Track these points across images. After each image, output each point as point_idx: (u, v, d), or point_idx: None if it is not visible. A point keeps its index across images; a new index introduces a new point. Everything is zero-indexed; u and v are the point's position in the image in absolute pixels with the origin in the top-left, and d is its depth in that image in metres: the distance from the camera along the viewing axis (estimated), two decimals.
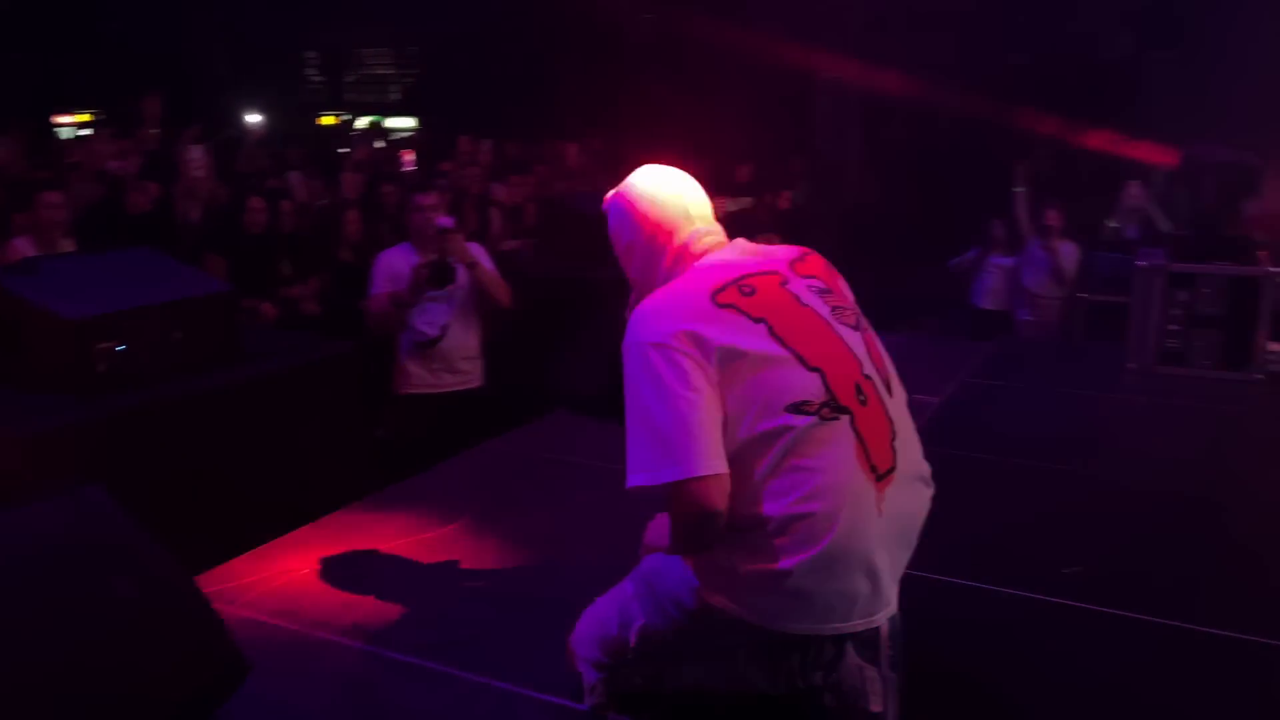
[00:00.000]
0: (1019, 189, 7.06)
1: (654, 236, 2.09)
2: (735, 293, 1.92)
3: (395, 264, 4.29)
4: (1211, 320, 4.41)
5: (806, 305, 1.95)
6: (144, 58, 16.22)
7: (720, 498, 1.77)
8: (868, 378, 1.91)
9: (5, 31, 15.34)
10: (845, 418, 1.83)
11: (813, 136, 9.21)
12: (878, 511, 1.84)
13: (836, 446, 1.82)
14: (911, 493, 1.91)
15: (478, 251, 4.41)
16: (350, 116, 17.47)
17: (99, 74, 16.92)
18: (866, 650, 1.94)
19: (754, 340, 1.85)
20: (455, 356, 4.37)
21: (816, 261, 2.11)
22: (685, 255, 2.06)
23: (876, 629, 1.92)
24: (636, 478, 1.82)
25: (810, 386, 1.84)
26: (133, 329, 3.25)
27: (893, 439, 1.89)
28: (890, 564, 1.88)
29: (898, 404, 1.95)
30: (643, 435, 1.83)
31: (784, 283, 1.98)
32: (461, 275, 4.23)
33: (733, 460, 1.80)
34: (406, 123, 16.15)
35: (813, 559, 1.79)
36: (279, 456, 3.55)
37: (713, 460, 1.77)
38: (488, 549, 2.92)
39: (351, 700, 2.16)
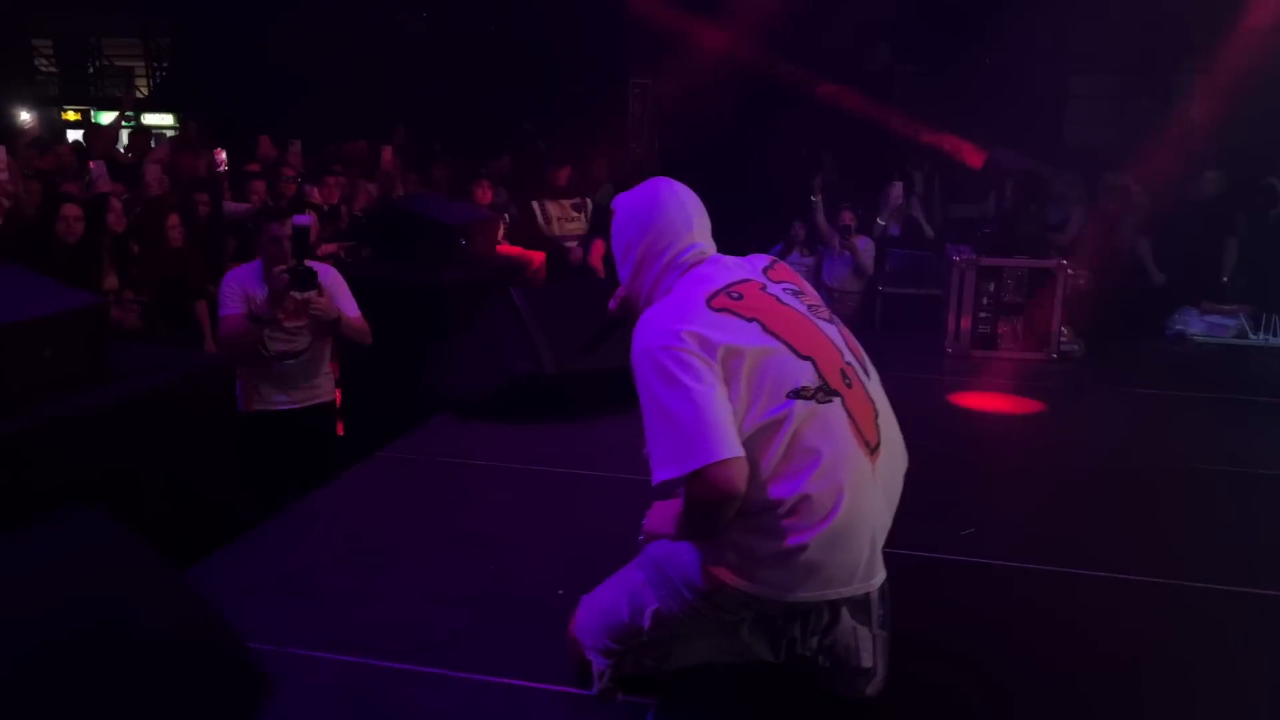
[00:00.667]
0: (815, 198, 7.62)
1: (653, 243, 2.23)
2: (726, 298, 2.10)
3: (247, 283, 4.14)
4: (1015, 307, 5.05)
5: (787, 305, 2.16)
6: None
7: (741, 480, 1.93)
8: (849, 364, 2.13)
9: None
10: (837, 399, 2.05)
11: (625, 138, 9.49)
12: (874, 482, 2.07)
13: (834, 427, 2.03)
14: (895, 464, 2.15)
15: (336, 282, 4.30)
16: (93, 111, 16.07)
17: None
18: (859, 613, 2.16)
19: (750, 337, 2.03)
20: (309, 374, 4.30)
21: (783, 268, 2.32)
22: (673, 266, 2.22)
23: (867, 593, 2.16)
24: (663, 472, 1.95)
25: (805, 374, 2.04)
26: (3, 347, 2.98)
27: (876, 417, 2.12)
28: (882, 530, 2.12)
29: (875, 386, 2.19)
30: (664, 432, 1.96)
31: (764, 288, 2.18)
32: (320, 282, 4.11)
33: (744, 449, 1.97)
34: (163, 119, 15.04)
35: (824, 532, 1.99)
36: (164, 478, 3.35)
37: (731, 445, 1.92)
38: (432, 553, 2.92)
39: (363, 712, 2.14)
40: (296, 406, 4.31)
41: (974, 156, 8.67)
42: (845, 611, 2.16)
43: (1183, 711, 2.26)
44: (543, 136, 10.48)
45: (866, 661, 2.17)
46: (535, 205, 7.63)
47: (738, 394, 1.98)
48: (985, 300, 5.06)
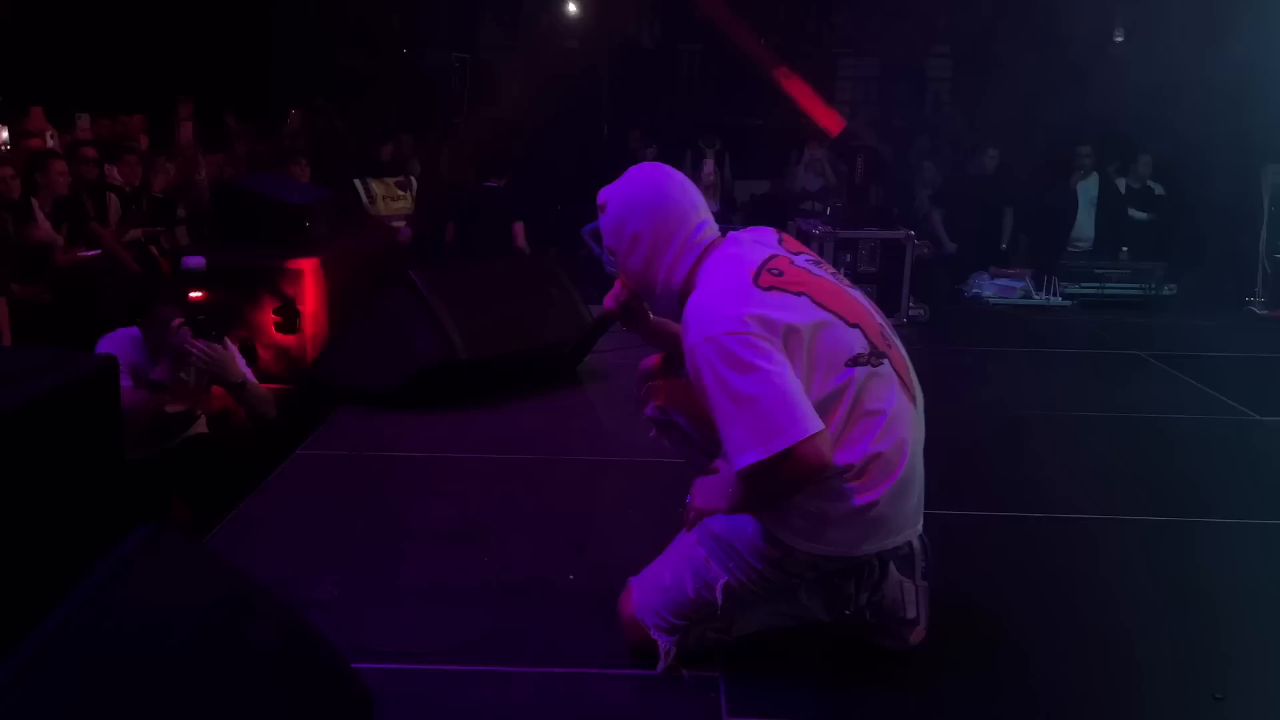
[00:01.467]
0: None
1: (662, 227, 2.22)
2: (769, 276, 2.15)
3: (129, 354, 3.36)
4: (870, 276, 5.41)
5: (818, 275, 2.25)
6: None
7: (829, 452, 2.00)
8: (881, 324, 2.25)
9: None
10: (886, 360, 2.17)
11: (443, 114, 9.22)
12: (920, 430, 2.20)
13: (889, 386, 2.15)
14: (923, 414, 2.29)
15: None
16: None
17: None
18: (905, 566, 2.30)
19: (804, 312, 2.10)
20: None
21: (791, 239, 2.40)
22: (688, 246, 2.24)
23: (911, 546, 2.30)
24: (747, 457, 1.97)
25: (856, 341, 2.14)
26: None
27: (909, 370, 2.26)
28: (923, 475, 2.25)
29: (899, 342, 2.32)
30: (740, 417, 1.98)
31: (791, 261, 2.25)
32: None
33: None
34: None
35: (893, 486, 2.11)
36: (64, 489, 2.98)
37: (815, 419, 1.99)
38: (414, 550, 2.80)
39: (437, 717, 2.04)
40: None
41: (833, 124, 9.11)
42: (893, 566, 2.29)
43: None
44: (336, 111, 9.98)
45: (911, 612, 2.31)
46: (358, 184, 7.29)
47: (800, 370, 2.04)
48: (843, 270, 5.38)
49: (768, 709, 2.13)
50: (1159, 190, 7.99)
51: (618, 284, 2.41)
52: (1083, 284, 7.20)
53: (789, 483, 2.01)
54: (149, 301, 3.44)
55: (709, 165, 8.74)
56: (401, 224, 7.24)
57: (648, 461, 3.25)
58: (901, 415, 2.14)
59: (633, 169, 2.32)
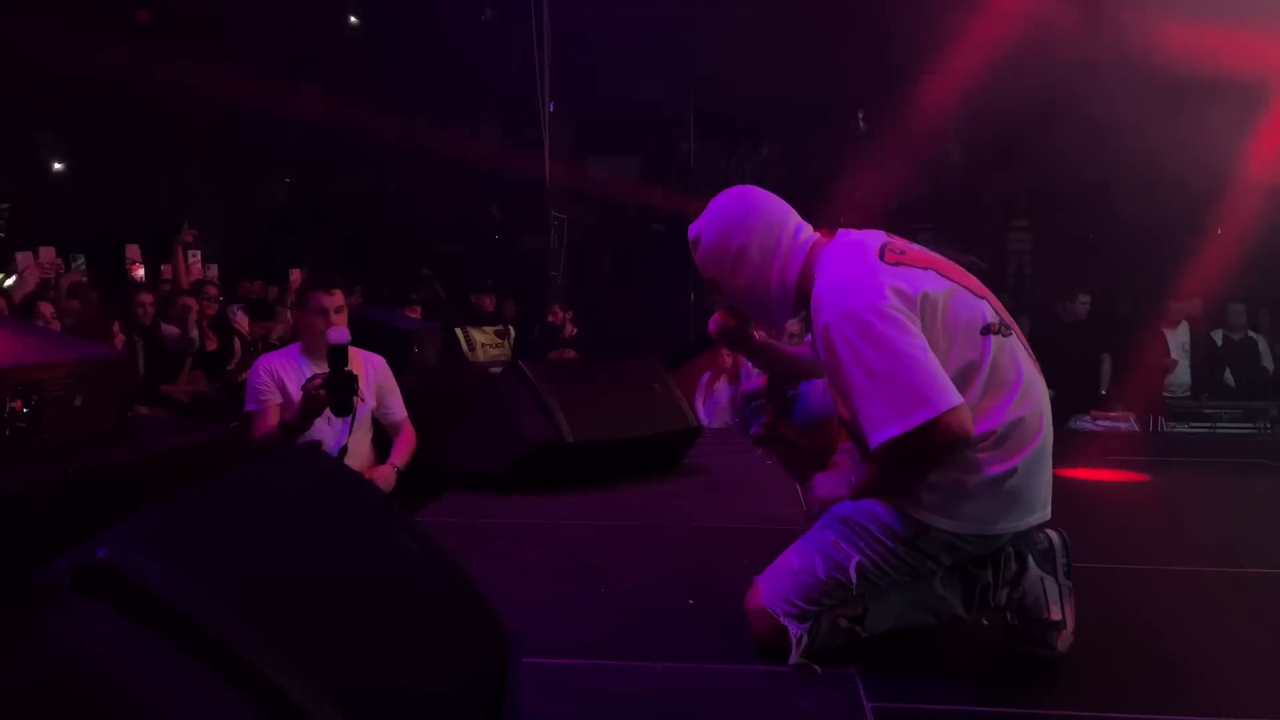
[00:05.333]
0: None
1: (766, 235, 2.27)
2: (893, 254, 2.19)
3: (279, 368, 3.65)
4: None
5: (937, 255, 2.28)
6: None
7: (971, 423, 1.98)
8: (997, 301, 2.25)
9: None
10: (1013, 333, 2.16)
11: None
12: (1050, 408, 2.16)
13: (1020, 356, 2.14)
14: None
15: (387, 384, 3.86)
16: None
17: None
18: (1045, 561, 2.20)
19: (934, 283, 2.12)
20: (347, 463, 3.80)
21: (894, 235, 2.42)
22: (795, 247, 2.29)
23: (1050, 540, 2.21)
24: (885, 431, 1.96)
25: (986, 311, 2.15)
26: (38, 387, 2.70)
27: (1028, 343, 2.24)
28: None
29: None
30: (877, 391, 1.98)
31: (907, 243, 2.29)
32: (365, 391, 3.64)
33: None
34: None
35: (1030, 455, 2.06)
36: None
37: (955, 391, 1.98)
38: (533, 583, 2.76)
39: (569, 700, 1.97)
40: None
41: None
42: (1032, 560, 2.20)
43: None
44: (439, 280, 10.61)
45: (1055, 614, 2.19)
46: (459, 332, 7.60)
47: (937, 339, 2.05)
48: None
49: (910, 697, 2.00)
50: (1262, 342, 7.87)
51: (719, 313, 2.47)
52: (1192, 424, 7.01)
53: (929, 457, 1.98)
54: (303, 292, 3.79)
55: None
56: (499, 369, 7.47)
57: (763, 529, 3.23)
58: (1034, 385, 2.13)
59: (716, 198, 2.38)
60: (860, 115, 14.67)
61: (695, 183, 13.60)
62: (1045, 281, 11.20)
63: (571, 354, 7.17)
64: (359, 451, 3.71)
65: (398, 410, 3.87)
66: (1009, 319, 2.19)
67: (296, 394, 3.50)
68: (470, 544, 3.20)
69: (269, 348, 6.99)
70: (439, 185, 13.69)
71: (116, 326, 5.19)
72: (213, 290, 6.75)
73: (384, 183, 14.13)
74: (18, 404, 2.61)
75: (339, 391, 3.28)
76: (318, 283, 3.77)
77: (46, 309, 4.91)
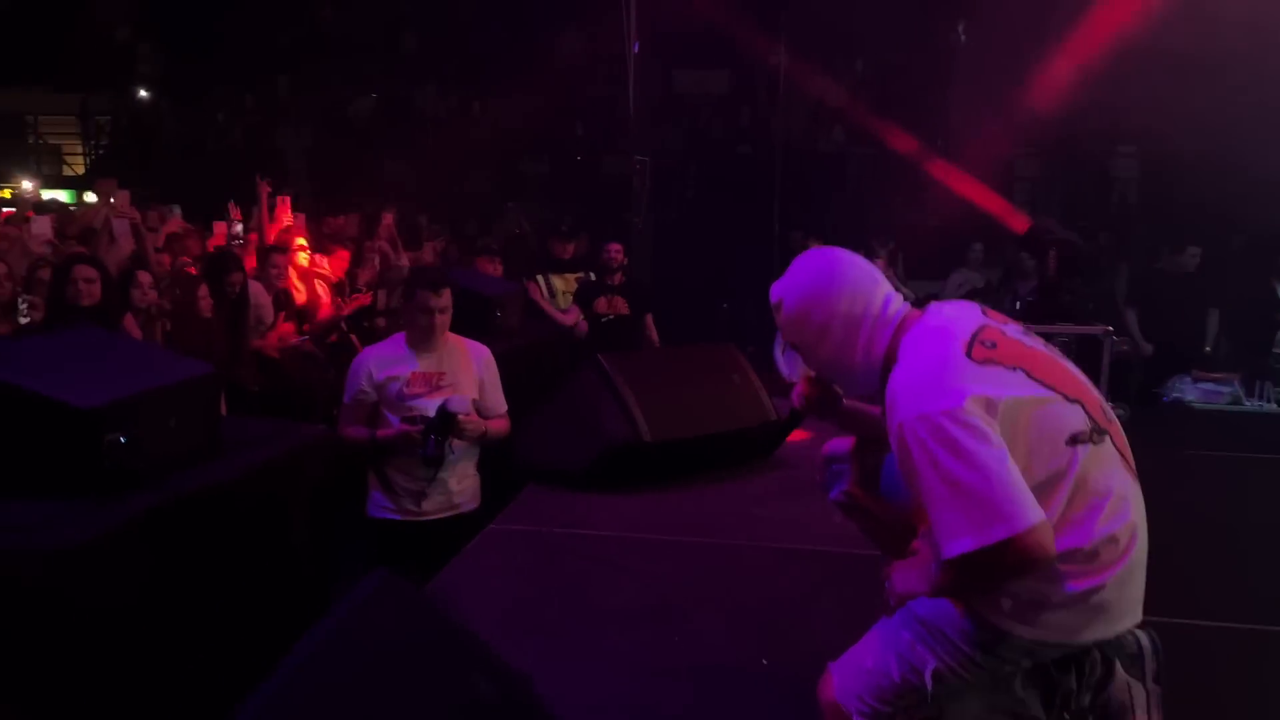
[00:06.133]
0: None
1: (850, 308, 2.16)
2: (982, 348, 2.07)
3: (373, 363, 3.73)
4: None
5: (1031, 346, 2.15)
6: None
7: (1052, 543, 1.88)
8: (1099, 399, 2.14)
9: None
10: (1107, 437, 2.05)
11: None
12: (1144, 515, 2.07)
13: (1114, 464, 2.03)
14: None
15: (489, 375, 3.90)
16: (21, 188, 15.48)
17: None
18: (1133, 667, 2.13)
19: (1022, 388, 2.01)
20: (449, 484, 3.77)
21: (990, 310, 2.32)
22: (881, 322, 2.17)
23: (1139, 642, 2.14)
24: (959, 544, 1.87)
25: (1077, 417, 2.03)
26: (136, 417, 2.79)
27: (1128, 447, 2.13)
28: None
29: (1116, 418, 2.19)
30: (954, 502, 1.89)
31: (1003, 332, 2.16)
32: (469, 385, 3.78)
33: None
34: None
35: (1121, 570, 1.98)
36: (281, 549, 3.19)
37: (1036, 508, 1.87)
38: (601, 626, 2.80)
39: None
40: (426, 518, 3.74)
41: (1019, 223, 9.01)
42: (1119, 665, 2.13)
43: None
44: (525, 216, 10.57)
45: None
46: (540, 279, 7.58)
47: (1020, 449, 1.95)
48: None
49: None
50: None
51: (801, 383, 2.39)
52: None
53: (1004, 574, 1.91)
54: (410, 287, 3.83)
55: (880, 265, 8.69)
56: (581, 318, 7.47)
57: (839, 553, 3.18)
58: (1128, 495, 2.03)
59: (799, 259, 2.27)
60: (960, 27, 13.95)
61: (784, 101, 13.18)
62: (1149, 216, 10.67)
63: (621, 302, 7.04)
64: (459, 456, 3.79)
65: (498, 405, 3.90)
66: (1104, 418, 2.08)
67: (393, 391, 3.68)
68: (544, 563, 3.26)
69: (355, 291, 7.12)
70: (524, 102, 13.50)
71: (205, 290, 5.30)
72: (300, 244, 6.84)
73: (468, 102, 14.04)
74: (114, 437, 2.71)
75: (435, 449, 3.54)
76: (426, 281, 3.80)
77: (145, 278, 5.02)
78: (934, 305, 2.24)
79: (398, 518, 3.78)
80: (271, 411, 5.45)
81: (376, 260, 7.43)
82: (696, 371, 4.36)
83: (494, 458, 4.24)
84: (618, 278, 7.16)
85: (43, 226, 5.20)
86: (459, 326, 5.27)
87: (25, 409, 2.59)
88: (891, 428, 2.02)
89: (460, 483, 3.82)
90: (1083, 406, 2.05)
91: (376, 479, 3.84)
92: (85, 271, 4.66)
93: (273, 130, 14.47)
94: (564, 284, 7.69)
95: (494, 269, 7.28)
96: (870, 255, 9.54)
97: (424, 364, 3.73)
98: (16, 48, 14.41)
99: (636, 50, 9.41)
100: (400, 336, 3.84)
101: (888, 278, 7.28)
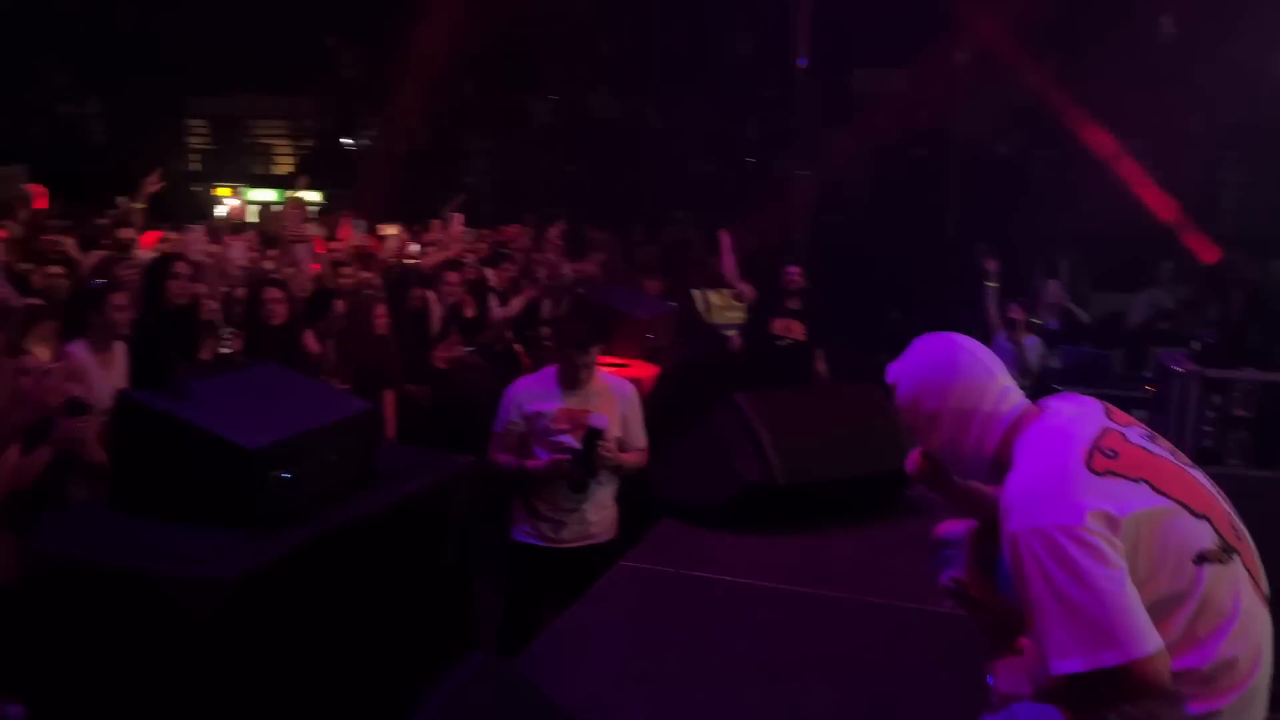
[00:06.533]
0: (992, 284, 7.53)
1: (962, 402, 2.13)
2: (1102, 458, 1.97)
3: (522, 394, 4.05)
4: (1243, 422, 4.86)
5: (1156, 454, 2.05)
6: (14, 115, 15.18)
7: (1168, 673, 1.81)
8: (1229, 512, 2.02)
9: None
10: (1236, 556, 1.94)
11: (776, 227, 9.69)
12: (1271, 638, 1.95)
13: (1240, 585, 1.92)
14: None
15: (631, 409, 4.17)
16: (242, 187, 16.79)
17: None
18: None
19: (1145, 500, 1.91)
20: (587, 514, 4.11)
21: (1118, 411, 2.21)
22: (994, 419, 2.12)
23: None
24: (1067, 663, 1.82)
25: (1204, 534, 1.93)
26: (298, 455, 3.06)
27: (1259, 567, 2.00)
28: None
29: (1248, 534, 2.07)
30: (1065, 619, 1.83)
31: (1125, 437, 2.06)
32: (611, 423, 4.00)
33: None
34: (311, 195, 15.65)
35: (1242, 695, 1.88)
36: (427, 578, 3.42)
37: (1152, 636, 1.80)
38: (717, 679, 2.86)
39: None
40: (563, 545, 4.06)
41: (1208, 253, 8.51)
42: None
43: None
44: (692, 224, 10.68)
45: None
46: (697, 294, 7.68)
47: (1141, 567, 1.88)
48: (1209, 413, 4.89)
49: None
50: None
51: (916, 454, 2.37)
52: None
53: (1112, 699, 1.86)
54: (561, 339, 4.18)
55: (1054, 286, 8.32)
56: (734, 333, 7.52)
57: (964, 619, 3.12)
58: (1255, 618, 1.92)
59: (918, 343, 2.26)
60: (1166, 19, 13.09)
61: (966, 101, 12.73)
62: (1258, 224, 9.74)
63: (799, 327, 7.03)
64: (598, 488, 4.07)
65: (637, 440, 4.17)
66: (1234, 535, 1.97)
67: (540, 425, 3.95)
68: (667, 606, 3.35)
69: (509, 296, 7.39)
70: (689, 102, 13.59)
71: (383, 309, 5.67)
72: (471, 256, 7.17)
73: (640, 105, 14.26)
74: (277, 474, 2.98)
75: (582, 473, 3.82)
76: (575, 340, 4.05)
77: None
78: (1054, 402, 2.19)
79: (538, 543, 4.05)
80: (441, 424, 5.80)
81: (542, 271, 7.72)
82: (837, 413, 4.33)
83: (633, 487, 4.39)
84: (796, 301, 7.21)
85: (238, 251, 5.69)
86: (611, 347, 5.47)
87: (201, 446, 2.89)
88: (1005, 534, 1.99)
89: (598, 514, 4.08)
90: (1210, 522, 1.96)
91: (521, 504, 4.08)
92: (273, 293, 5.12)
93: (458, 133, 15.15)
94: (720, 299, 7.75)
95: (654, 286, 7.43)
96: (1052, 269, 9.18)
97: (570, 401, 3.99)
98: (233, 54, 15.64)
99: (804, 64, 9.31)
100: (551, 370, 4.09)
101: (1063, 300, 7.07)
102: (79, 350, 4.07)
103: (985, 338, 7.65)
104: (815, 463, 4.05)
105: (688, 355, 6.21)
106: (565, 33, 15.34)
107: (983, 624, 2.42)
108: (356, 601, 3.09)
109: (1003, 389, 2.18)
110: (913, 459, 2.39)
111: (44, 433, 3.40)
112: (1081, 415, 2.10)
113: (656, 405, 5.33)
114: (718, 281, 7.84)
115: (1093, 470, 1.95)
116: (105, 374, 4.11)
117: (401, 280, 5.86)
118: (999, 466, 2.11)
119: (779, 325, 7.06)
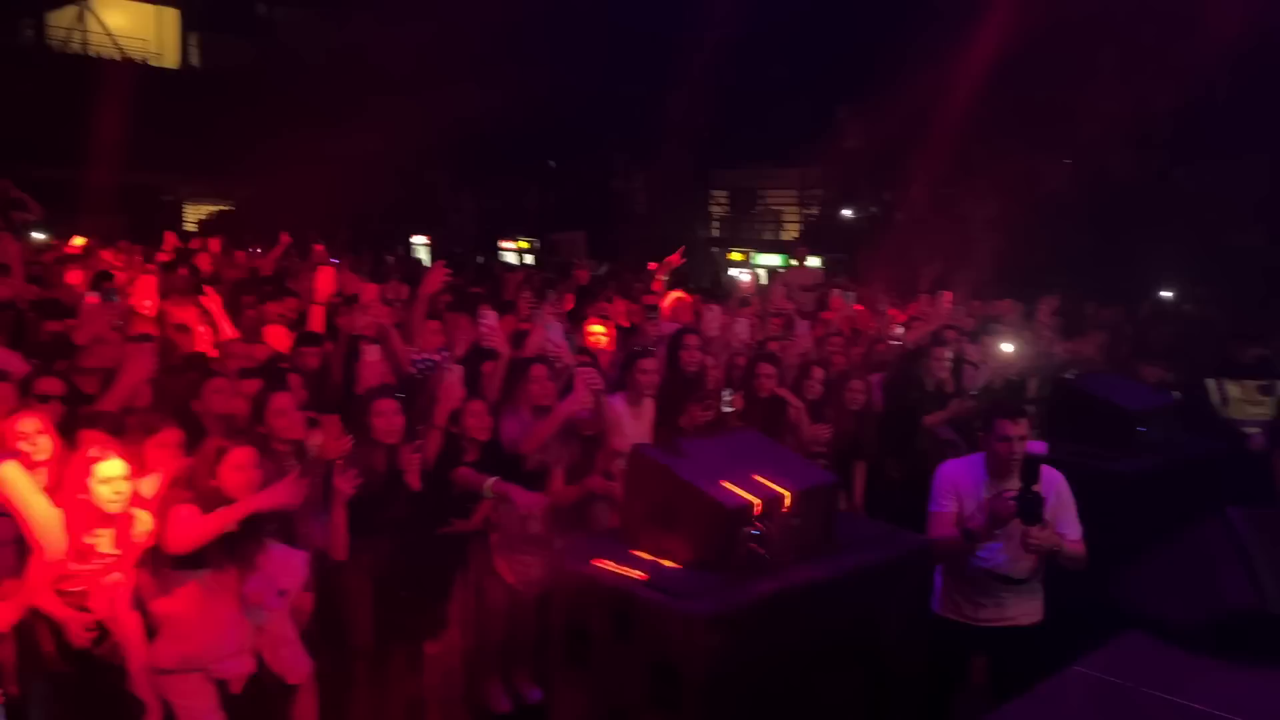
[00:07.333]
0: None
1: None
2: None
3: (960, 479, 4.12)
4: None
5: None
6: (577, 189, 18.06)
7: None
8: None
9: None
10: None
11: None
12: None
13: None
14: None
15: (1063, 500, 4.06)
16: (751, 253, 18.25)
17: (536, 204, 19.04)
18: None
19: None
20: (1007, 601, 4.12)
21: None
22: None
23: None
24: None
25: None
26: (766, 515, 3.48)
27: None
28: None
29: None
30: None
31: None
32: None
33: None
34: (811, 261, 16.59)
35: None
36: (870, 649, 3.65)
37: None
38: None
39: None
40: (984, 624, 4.12)
41: None
42: None
43: None
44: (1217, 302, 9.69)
45: None
46: (1212, 384, 6.97)
47: None
48: None
49: None
50: None
51: None
52: None
53: None
54: (989, 416, 4.06)
55: None
56: (1256, 430, 6.71)
57: None
58: None
59: None
60: None
61: None
62: None
63: None
64: (1022, 562, 4.05)
65: (1071, 531, 4.06)
66: None
67: (970, 506, 4.02)
68: None
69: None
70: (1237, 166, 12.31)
71: (859, 385, 5.99)
72: (952, 334, 7.20)
73: (1168, 168, 13.12)
74: (749, 529, 3.42)
75: (1028, 504, 3.75)
76: (1005, 410, 4.09)
77: (816, 373, 5.91)
78: None
79: (954, 619, 4.14)
80: (907, 496, 5.97)
81: (1040, 342, 7.55)
82: None
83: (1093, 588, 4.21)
84: None
85: (743, 327, 6.41)
86: (1092, 439, 5.29)
87: (694, 502, 3.43)
88: None
89: (1018, 606, 4.10)
90: None
91: (946, 578, 4.18)
92: (765, 368, 5.71)
93: (958, 198, 15.13)
94: (1240, 391, 6.96)
95: (1154, 374, 6.90)
96: None
97: (999, 488, 3.97)
98: (749, 131, 17.16)
99: None
100: (979, 457, 4.13)
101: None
102: (617, 402, 4.94)
103: None
104: None
105: (1189, 454, 5.68)
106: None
107: None
108: (802, 655, 3.40)
109: None
110: None
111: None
112: None
113: (1136, 506, 5.01)
114: (1239, 372, 7.04)
115: None
116: (636, 424, 4.92)
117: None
118: None
119: None
